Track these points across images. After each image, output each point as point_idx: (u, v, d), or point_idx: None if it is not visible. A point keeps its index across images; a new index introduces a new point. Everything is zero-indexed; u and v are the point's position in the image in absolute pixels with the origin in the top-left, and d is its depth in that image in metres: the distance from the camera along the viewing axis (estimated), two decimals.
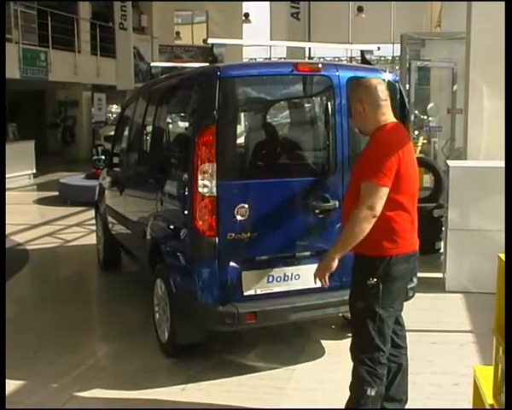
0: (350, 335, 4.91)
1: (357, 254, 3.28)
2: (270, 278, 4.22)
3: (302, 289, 4.26)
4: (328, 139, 4.41)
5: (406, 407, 3.53)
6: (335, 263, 3.19)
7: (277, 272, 4.24)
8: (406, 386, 3.55)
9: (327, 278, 3.25)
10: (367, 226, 3.07)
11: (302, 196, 4.33)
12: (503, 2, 3.18)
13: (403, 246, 3.20)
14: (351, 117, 4.45)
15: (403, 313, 4.94)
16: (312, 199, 4.30)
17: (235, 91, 4.24)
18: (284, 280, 4.25)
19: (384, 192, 3.09)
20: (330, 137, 4.37)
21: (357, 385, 3.26)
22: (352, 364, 3.34)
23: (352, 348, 3.35)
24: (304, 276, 4.23)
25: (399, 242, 3.18)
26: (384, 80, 4.61)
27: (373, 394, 3.21)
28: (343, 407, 3.41)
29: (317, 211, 4.30)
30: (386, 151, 3.16)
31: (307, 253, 4.33)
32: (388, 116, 3.31)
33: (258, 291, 4.18)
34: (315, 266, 3.45)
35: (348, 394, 3.36)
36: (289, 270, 4.28)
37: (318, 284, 3.36)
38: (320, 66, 4.36)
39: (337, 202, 4.26)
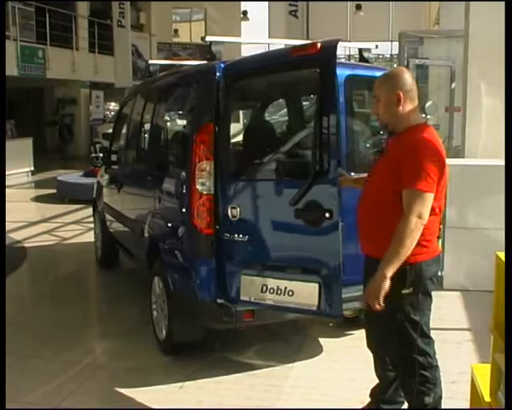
0: (348, 333, 4.97)
1: (371, 257, 3.14)
2: (264, 288, 3.83)
3: (295, 307, 3.77)
4: (327, 139, 4.39)
5: (404, 406, 3.52)
6: (388, 282, 2.87)
7: (271, 282, 3.79)
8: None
9: (381, 300, 2.88)
10: (417, 236, 2.89)
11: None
12: (501, 1, 3.17)
13: (432, 249, 3.10)
14: (348, 114, 4.48)
15: None
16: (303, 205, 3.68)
17: (233, 89, 4.24)
18: (277, 294, 3.79)
19: (431, 199, 2.93)
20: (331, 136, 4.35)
21: (415, 399, 3.15)
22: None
23: (396, 364, 3.26)
24: (298, 294, 3.71)
25: (429, 246, 3.07)
26: None
27: (431, 401, 3.12)
28: (341, 405, 3.42)
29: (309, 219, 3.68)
30: (433, 156, 2.96)
31: (301, 267, 3.74)
32: (420, 116, 3.18)
33: (253, 299, 3.90)
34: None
35: (347, 392, 3.36)
36: (283, 283, 3.75)
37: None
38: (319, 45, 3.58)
39: (333, 210, 3.48)
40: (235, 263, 3.99)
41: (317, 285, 3.56)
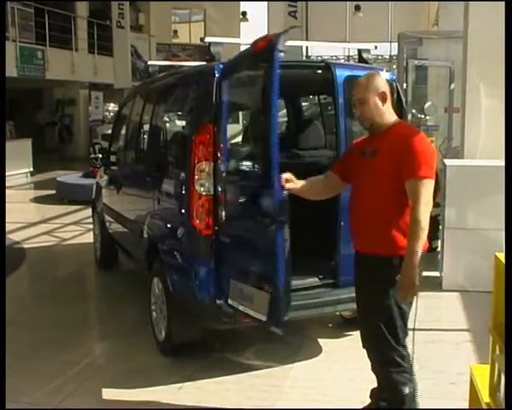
0: (348, 333, 4.97)
1: (374, 255, 3.18)
2: (241, 293, 3.71)
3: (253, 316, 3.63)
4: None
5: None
6: (418, 270, 3.00)
7: (244, 288, 3.68)
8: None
9: (417, 289, 3.01)
10: (428, 220, 3.04)
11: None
12: (500, 2, 3.18)
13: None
14: (347, 115, 4.48)
15: None
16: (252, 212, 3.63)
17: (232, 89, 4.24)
18: (245, 299, 3.66)
19: (433, 185, 3.09)
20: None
21: (393, 389, 3.22)
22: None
23: (374, 351, 3.29)
24: (255, 301, 3.58)
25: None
26: None
27: (409, 390, 3.20)
28: (341, 405, 3.42)
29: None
30: (428, 146, 3.17)
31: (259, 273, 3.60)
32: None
33: (234, 303, 3.79)
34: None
35: (346, 392, 3.36)
36: (250, 290, 3.61)
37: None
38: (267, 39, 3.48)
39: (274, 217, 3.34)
40: (227, 266, 3.97)
41: (267, 295, 3.44)
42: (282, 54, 3.25)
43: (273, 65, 3.27)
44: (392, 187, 3.11)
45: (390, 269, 3.09)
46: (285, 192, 3.38)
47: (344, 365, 4.48)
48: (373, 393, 3.50)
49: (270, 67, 3.31)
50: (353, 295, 4.31)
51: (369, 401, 3.52)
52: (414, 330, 3.28)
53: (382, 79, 3.31)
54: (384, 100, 3.22)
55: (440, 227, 6.71)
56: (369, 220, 3.20)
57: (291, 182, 3.44)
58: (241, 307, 3.71)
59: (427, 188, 3.04)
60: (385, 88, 3.24)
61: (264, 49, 3.40)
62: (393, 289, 3.10)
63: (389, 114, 3.26)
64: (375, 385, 3.43)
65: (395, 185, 3.09)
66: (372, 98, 3.22)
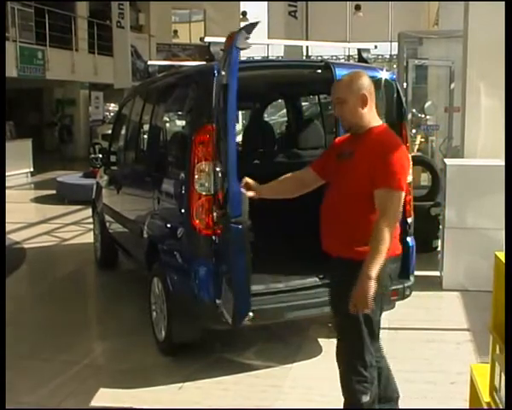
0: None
1: (346, 259, 3.09)
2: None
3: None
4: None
5: (402, 406, 3.52)
6: (374, 282, 2.89)
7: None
8: (395, 384, 3.48)
9: (370, 301, 2.90)
10: (393, 234, 2.98)
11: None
12: (500, 2, 3.17)
13: (393, 248, 3.12)
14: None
15: (400, 311, 4.96)
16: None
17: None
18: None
19: (403, 197, 3.02)
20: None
21: (351, 396, 3.18)
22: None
23: (341, 355, 3.23)
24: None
25: (391, 244, 3.07)
26: (381, 78, 4.64)
27: (367, 400, 3.15)
28: (340, 405, 3.41)
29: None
30: (403, 156, 3.07)
31: None
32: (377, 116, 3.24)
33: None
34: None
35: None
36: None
37: None
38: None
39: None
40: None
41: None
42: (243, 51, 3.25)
43: (230, 63, 3.22)
44: (364, 192, 3.03)
45: (354, 273, 2.95)
46: (246, 195, 3.34)
47: None
48: None
49: (228, 65, 3.28)
50: None
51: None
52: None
53: (366, 80, 3.17)
54: (364, 102, 3.10)
55: (440, 227, 6.71)
56: (339, 223, 3.14)
57: (251, 186, 3.40)
58: (221, 307, 3.76)
59: (396, 200, 2.97)
60: (367, 90, 3.12)
61: (226, 47, 3.38)
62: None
63: (370, 117, 3.15)
64: None
65: (365, 190, 3.01)
66: (352, 99, 3.11)
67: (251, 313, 3.60)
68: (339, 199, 3.15)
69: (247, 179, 3.42)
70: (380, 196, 2.97)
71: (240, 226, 3.41)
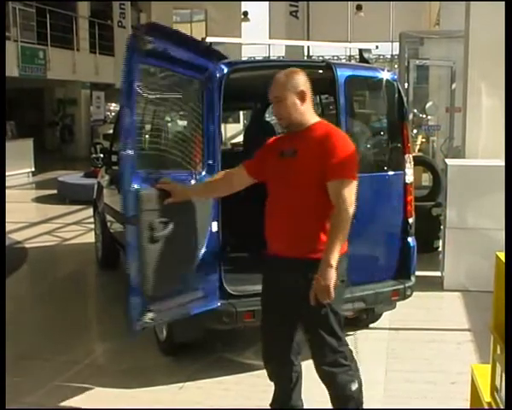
0: (349, 333, 4.96)
1: (306, 259, 3.05)
2: None
3: None
4: None
5: (403, 406, 3.53)
6: (334, 271, 2.92)
7: None
8: (301, 389, 3.50)
9: (332, 290, 2.93)
10: (350, 223, 3.01)
11: None
12: (502, 2, 3.17)
13: (344, 244, 3.13)
14: (349, 115, 4.48)
15: (401, 311, 4.96)
16: None
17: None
18: None
19: (356, 186, 3.05)
20: None
21: (341, 388, 3.20)
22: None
23: (319, 357, 3.21)
24: None
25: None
26: (382, 79, 4.64)
27: (356, 387, 3.20)
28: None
29: None
30: (351, 147, 3.11)
31: None
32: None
33: None
34: None
35: None
36: None
37: None
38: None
39: None
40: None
41: None
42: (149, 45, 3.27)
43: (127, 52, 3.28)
44: (315, 188, 3.04)
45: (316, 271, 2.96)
46: (142, 191, 3.36)
47: None
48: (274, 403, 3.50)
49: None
50: (355, 294, 4.33)
51: (369, 401, 3.51)
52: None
53: (302, 77, 3.16)
54: (303, 99, 3.12)
55: (442, 227, 6.71)
56: (291, 223, 3.11)
57: (172, 189, 3.44)
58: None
59: (349, 189, 2.99)
60: (304, 86, 3.13)
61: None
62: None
63: (309, 114, 3.16)
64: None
65: (317, 186, 3.03)
66: (290, 97, 3.11)
67: (150, 314, 3.46)
68: (289, 200, 3.13)
69: (165, 181, 3.48)
70: (335, 188, 3.00)
71: (133, 226, 3.37)
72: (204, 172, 3.91)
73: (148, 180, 3.48)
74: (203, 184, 3.69)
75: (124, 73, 3.29)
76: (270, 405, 3.51)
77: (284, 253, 3.15)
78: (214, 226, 3.94)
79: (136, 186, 3.38)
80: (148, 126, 4.13)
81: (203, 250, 3.84)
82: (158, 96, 3.92)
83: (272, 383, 3.50)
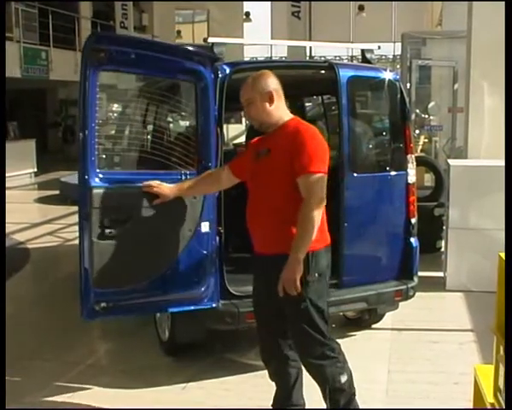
0: (351, 334, 4.97)
1: (279, 255, 3.08)
2: None
3: None
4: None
5: (405, 406, 3.52)
6: (301, 265, 2.99)
7: None
8: (302, 388, 3.51)
9: (298, 283, 2.99)
10: (320, 217, 3.05)
11: None
12: (503, 2, 3.17)
13: (325, 238, 3.21)
14: (351, 115, 4.49)
15: (404, 312, 4.95)
16: None
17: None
18: None
19: (326, 179, 3.09)
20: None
21: (331, 381, 3.21)
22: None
23: (302, 346, 3.26)
24: None
25: (323, 234, 3.18)
26: (384, 79, 4.64)
27: (346, 379, 3.21)
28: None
29: None
30: (321, 142, 3.16)
31: None
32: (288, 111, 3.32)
33: None
34: None
35: None
36: None
37: None
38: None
39: None
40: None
41: None
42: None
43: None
44: (288, 185, 3.09)
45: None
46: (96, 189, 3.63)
47: None
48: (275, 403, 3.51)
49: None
50: (357, 295, 4.33)
51: (372, 401, 3.51)
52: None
53: (270, 78, 3.23)
54: (271, 100, 3.18)
55: (444, 227, 6.70)
56: (270, 221, 3.18)
57: (159, 190, 3.60)
58: None
59: (319, 183, 3.03)
60: (272, 87, 3.19)
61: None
62: (305, 289, 3.06)
63: (280, 113, 3.23)
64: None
65: (290, 183, 3.08)
66: (258, 98, 3.19)
67: (102, 304, 3.96)
68: (264, 198, 3.21)
69: (151, 183, 3.62)
70: (302, 183, 3.05)
71: (86, 222, 3.68)
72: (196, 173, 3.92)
73: (107, 180, 3.75)
74: (192, 181, 3.72)
75: (80, 80, 3.49)
76: (272, 405, 3.51)
77: (264, 251, 3.24)
78: (204, 227, 3.94)
79: (92, 185, 3.64)
80: (127, 129, 4.33)
81: (185, 250, 3.86)
82: (134, 100, 4.12)
83: (274, 385, 3.50)
